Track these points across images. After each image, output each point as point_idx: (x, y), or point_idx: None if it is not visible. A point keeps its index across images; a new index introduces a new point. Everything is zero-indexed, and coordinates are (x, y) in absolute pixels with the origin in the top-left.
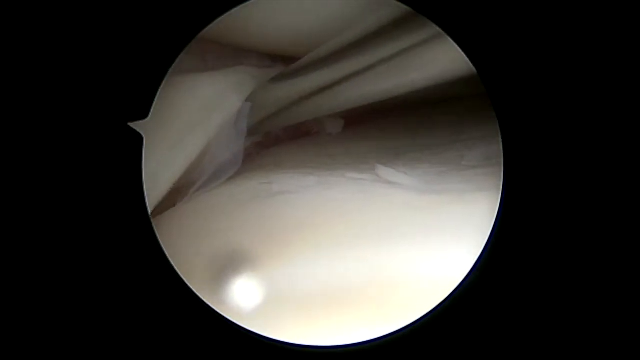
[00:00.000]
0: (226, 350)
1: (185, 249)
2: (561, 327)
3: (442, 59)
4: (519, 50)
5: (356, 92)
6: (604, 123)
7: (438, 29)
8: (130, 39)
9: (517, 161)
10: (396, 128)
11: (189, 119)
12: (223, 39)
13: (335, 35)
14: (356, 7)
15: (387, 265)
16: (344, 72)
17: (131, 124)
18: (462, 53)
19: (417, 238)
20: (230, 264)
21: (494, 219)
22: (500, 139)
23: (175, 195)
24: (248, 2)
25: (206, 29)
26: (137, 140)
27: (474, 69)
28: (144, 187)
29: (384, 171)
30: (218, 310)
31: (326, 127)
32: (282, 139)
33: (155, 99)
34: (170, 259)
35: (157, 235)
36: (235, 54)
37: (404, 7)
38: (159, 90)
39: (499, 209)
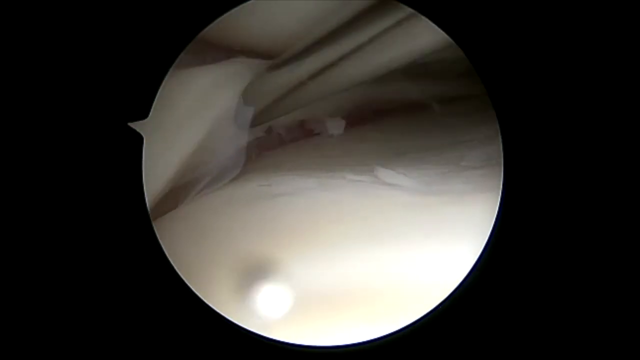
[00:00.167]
0: (226, 350)
1: (186, 250)
2: (561, 327)
3: (419, 34)
4: (518, 50)
5: (349, 72)
6: (604, 122)
7: (410, 9)
8: (130, 39)
9: (517, 162)
10: (396, 129)
11: (185, 113)
12: (223, 38)
13: (318, 26)
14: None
15: (387, 266)
16: (334, 55)
17: (131, 124)
18: (436, 26)
19: (418, 238)
20: (231, 265)
21: (494, 219)
22: (500, 140)
23: (176, 197)
24: (248, 2)
25: (206, 29)
26: (137, 140)
27: (450, 39)
28: (144, 187)
29: (384, 173)
30: (218, 311)
31: (327, 128)
32: (282, 141)
33: (155, 99)
34: (170, 259)
35: (158, 237)
36: (234, 51)
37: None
38: (159, 90)
39: (499, 209)
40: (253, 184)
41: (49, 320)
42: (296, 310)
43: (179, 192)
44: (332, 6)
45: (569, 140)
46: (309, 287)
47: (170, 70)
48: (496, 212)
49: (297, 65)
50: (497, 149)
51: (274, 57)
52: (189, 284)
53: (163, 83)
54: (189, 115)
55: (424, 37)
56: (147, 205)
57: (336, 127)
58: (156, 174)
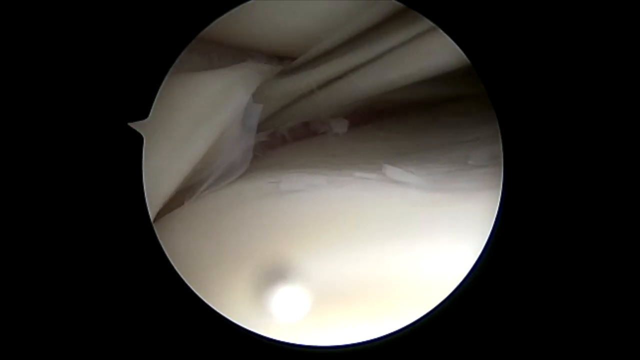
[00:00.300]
0: (226, 351)
1: (189, 249)
2: (561, 326)
3: (437, 52)
4: (518, 50)
5: (358, 85)
6: (603, 122)
7: (431, 23)
8: (130, 39)
9: (517, 161)
10: (399, 129)
11: (194, 117)
12: (224, 38)
13: (332, 33)
14: (352, 6)
15: (388, 265)
16: (345, 66)
17: (131, 124)
18: (455, 45)
19: (424, 235)
20: (239, 262)
21: (498, 217)
22: (500, 139)
23: (182, 195)
24: (248, 2)
25: (206, 29)
26: (137, 140)
27: (467, 60)
28: (144, 187)
29: (392, 171)
30: (218, 311)
31: (332, 127)
32: (287, 140)
33: (156, 99)
34: (170, 259)
35: (158, 237)
36: (239, 52)
37: (398, 4)
38: (159, 90)
39: (499, 209)
40: (261, 181)
41: (49, 320)
42: (299, 309)
43: (185, 191)
44: (347, 13)
45: (569, 140)
46: (310, 285)
47: (171, 69)
48: (496, 209)
49: (307, 74)
50: (500, 148)
51: (282, 59)
52: (189, 285)
53: (163, 83)
54: (196, 118)
55: (440, 55)
56: (148, 205)
57: (340, 126)
58: (159, 173)
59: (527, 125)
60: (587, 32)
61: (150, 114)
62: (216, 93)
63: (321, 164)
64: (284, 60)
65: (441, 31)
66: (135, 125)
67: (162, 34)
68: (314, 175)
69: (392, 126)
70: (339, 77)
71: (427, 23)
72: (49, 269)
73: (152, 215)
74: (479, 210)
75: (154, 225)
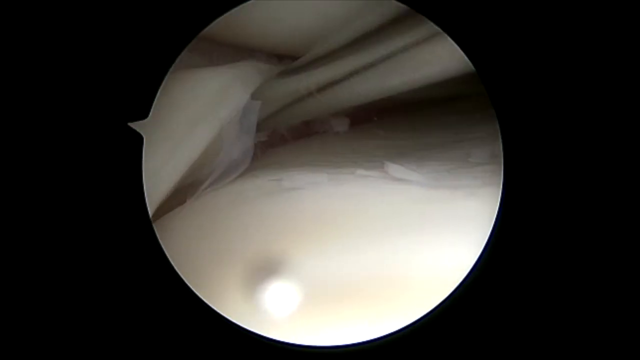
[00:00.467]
0: (227, 351)
1: (189, 249)
2: (562, 326)
3: (441, 58)
4: (518, 50)
5: (358, 89)
6: (603, 122)
7: (436, 27)
8: (130, 38)
9: (517, 160)
10: (400, 127)
11: (193, 114)
12: (224, 38)
13: (334, 34)
14: (355, 6)
15: (389, 264)
16: (346, 69)
17: (131, 124)
18: (461, 51)
19: (426, 233)
20: (243, 260)
21: (498, 216)
22: (500, 138)
23: (183, 193)
24: (248, 2)
25: (207, 29)
26: (137, 140)
27: (472, 67)
28: (144, 187)
29: (393, 168)
30: (219, 311)
31: (332, 126)
32: (287, 138)
33: (156, 99)
34: (170, 259)
35: (159, 237)
36: (239, 52)
37: (402, 6)
38: (160, 89)
39: (499, 208)
40: (262, 179)
41: (49, 320)
42: (300, 308)
43: (185, 189)
44: (336, 6)
45: (569, 140)
46: (310, 284)
47: (171, 69)
48: (497, 207)
49: (308, 75)
50: (500, 148)
51: (282, 59)
52: (189, 285)
53: (163, 83)
54: (195, 117)
55: (443, 61)
56: (148, 205)
57: (341, 125)
58: (159, 172)
59: (527, 124)
60: (586, 33)
61: (150, 114)
62: (215, 91)
63: (322, 163)
64: (284, 59)
65: (446, 35)
66: (135, 125)
67: (163, 35)
68: (315, 173)
69: (393, 125)
70: (339, 81)
71: (432, 27)
72: (49, 269)
73: (151, 214)
74: (480, 207)
75: (153, 224)
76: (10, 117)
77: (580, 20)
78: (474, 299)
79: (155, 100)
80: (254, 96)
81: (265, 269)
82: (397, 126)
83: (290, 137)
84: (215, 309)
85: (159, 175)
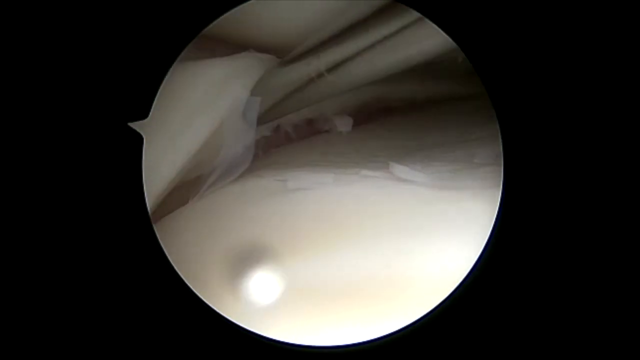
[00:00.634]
0: (226, 351)
1: (189, 249)
2: (562, 326)
3: (424, 39)
4: (518, 51)
5: (357, 71)
6: (603, 121)
7: (418, 14)
8: (130, 38)
9: (517, 161)
10: (404, 127)
11: (191, 109)
12: (223, 38)
13: (329, 24)
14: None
15: (390, 263)
16: (342, 55)
17: (131, 124)
18: (442, 32)
19: (432, 234)
20: (248, 261)
21: (498, 217)
22: (500, 137)
23: (184, 192)
24: (248, 2)
25: (207, 29)
26: (137, 139)
27: (454, 43)
28: (144, 187)
29: (398, 169)
30: (218, 311)
31: (336, 125)
32: (290, 138)
33: (156, 99)
34: (170, 259)
35: (159, 237)
36: (239, 51)
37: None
38: (160, 89)
39: (499, 209)
40: (267, 179)
41: (49, 320)
42: (301, 308)
43: (186, 188)
44: (339, 7)
45: (569, 140)
46: (311, 284)
47: (171, 69)
48: (496, 209)
49: (305, 64)
50: (500, 148)
51: (280, 56)
52: (189, 284)
53: (164, 82)
54: (194, 112)
55: (429, 41)
56: (148, 205)
57: (344, 124)
58: (159, 172)
59: (526, 123)
60: (587, 31)
61: (150, 113)
62: (216, 81)
63: (326, 163)
64: (282, 52)
65: (427, 20)
66: (135, 125)
67: (163, 34)
68: (320, 174)
69: (396, 125)
70: (341, 63)
71: (414, 14)
72: (49, 268)
73: (151, 214)
74: (484, 207)
75: (154, 225)
76: (9, 117)
77: (581, 21)
78: (474, 299)
79: (155, 100)
80: (254, 88)
81: (269, 271)
82: (401, 126)
83: (294, 136)
84: (215, 308)
85: (158, 172)
